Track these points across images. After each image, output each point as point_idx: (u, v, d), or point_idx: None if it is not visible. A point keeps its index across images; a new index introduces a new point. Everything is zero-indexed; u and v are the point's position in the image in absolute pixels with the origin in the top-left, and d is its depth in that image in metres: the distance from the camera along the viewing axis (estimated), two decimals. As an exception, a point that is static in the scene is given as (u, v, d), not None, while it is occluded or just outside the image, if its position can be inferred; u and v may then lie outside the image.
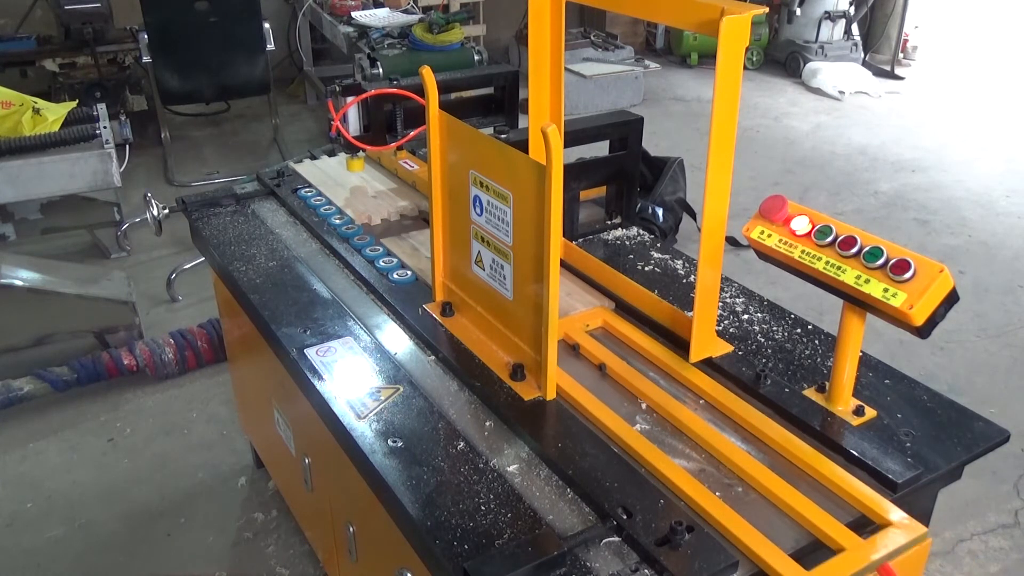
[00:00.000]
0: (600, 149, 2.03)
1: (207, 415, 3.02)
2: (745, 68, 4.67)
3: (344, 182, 2.34)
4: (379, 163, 2.47)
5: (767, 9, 7.16)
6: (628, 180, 2.08)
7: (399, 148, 2.38)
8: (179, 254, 3.98)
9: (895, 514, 1.23)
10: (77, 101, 3.71)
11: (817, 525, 1.20)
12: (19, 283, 3.14)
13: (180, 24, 4.57)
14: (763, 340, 1.66)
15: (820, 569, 1.13)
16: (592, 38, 6.72)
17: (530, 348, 1.49)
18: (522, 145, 1.84)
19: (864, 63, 7.12)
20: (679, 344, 1.60)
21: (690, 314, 1.56)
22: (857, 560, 1.15)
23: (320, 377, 1.56)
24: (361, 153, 2.43)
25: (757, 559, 1.15)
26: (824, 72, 6.69)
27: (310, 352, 1.63)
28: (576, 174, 1.96)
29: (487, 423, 1.46)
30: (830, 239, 1.34)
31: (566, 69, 3.98)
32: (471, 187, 1.54)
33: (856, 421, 1.42)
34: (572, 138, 1.82)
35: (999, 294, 3.87)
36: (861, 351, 1.42)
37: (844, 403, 1.44)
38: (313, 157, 2.53)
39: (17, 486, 2.72)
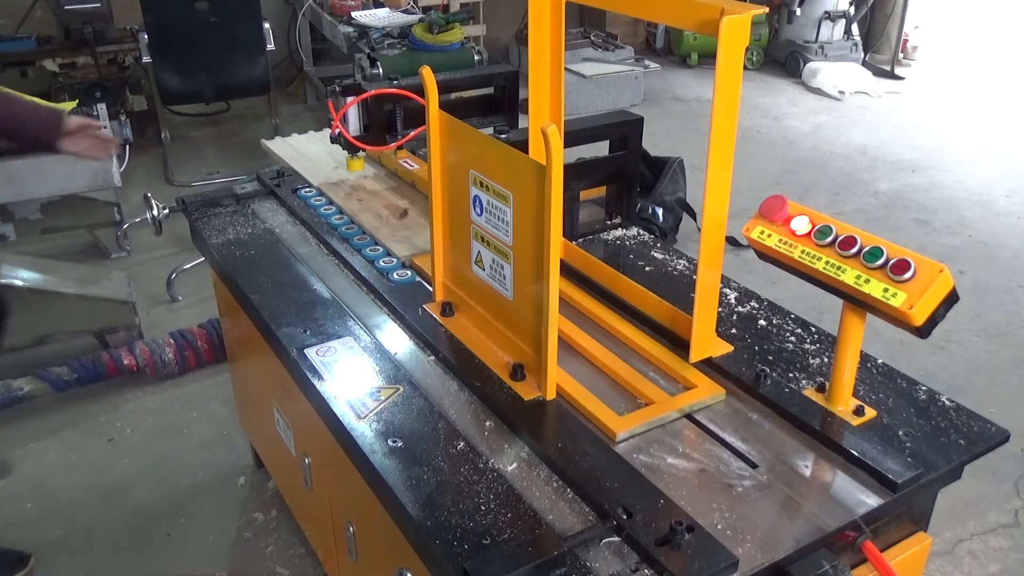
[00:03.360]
0: (600, 149, 2.03)
1: (207, 415, 3.02)
2: (745, 68, 4.66)
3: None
4: (379, 163, 2.47)
5: (767, 9, 7.16)
6: (628, 180, 2.08)
7: (399, 148, 2.37)
8: (179, 254, 3.98)
9: (699, 379, 1.52)
10: (77, 101, 3.72)
11: (642, 391, 1.50)
12: (19, 283, 3.14)
13: (180, 24, 4.57)
14: (763, 340, 1.66)
15: (633, 415, 1.44)
16: (592, 38, 6.72)
17: (530, 348, 1.49)
18: (522, 145, 1.84)
19: (864, 63, 7.12)
20: (679, 344, 1.60)
21: (690, 314, 1.56)
22: (660, 408, 1.45)
23: (320, 377, 1.56)
24: (361, 153, 2.43)
25: (587, 413, 1.44)
26: (824, 72, 6.69)
27: (310, 352, 1.63)
28: (576, 174, 1.96)
29: (487, 423, 1.46)
30: (830, 239, 1.34)
31: (566, 69, 3.98)
32: (471, 187, 1.54)
33: (856, 421, 1.42)
34: (572, 138, 1.81)
35: (999, 294, 3.86)
36: (861, 351, 1.42)
37: (844, 403, 1.44)
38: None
39: (17, 486, 2.72)
